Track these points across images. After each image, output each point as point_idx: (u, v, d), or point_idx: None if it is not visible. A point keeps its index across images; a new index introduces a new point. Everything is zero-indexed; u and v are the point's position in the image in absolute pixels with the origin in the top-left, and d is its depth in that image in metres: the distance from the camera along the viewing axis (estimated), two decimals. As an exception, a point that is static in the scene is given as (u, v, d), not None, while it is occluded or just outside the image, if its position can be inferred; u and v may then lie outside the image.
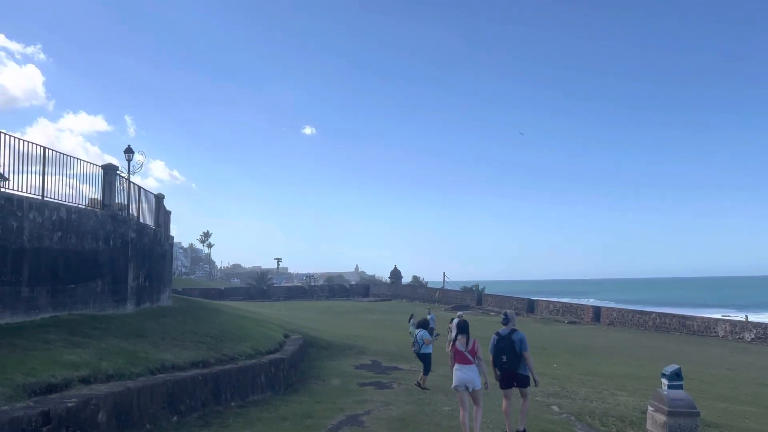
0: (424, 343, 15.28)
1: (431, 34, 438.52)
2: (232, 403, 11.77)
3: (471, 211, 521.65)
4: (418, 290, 74.04)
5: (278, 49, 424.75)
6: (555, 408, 12.37)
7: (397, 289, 75.12)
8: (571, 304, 57.16)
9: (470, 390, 8.83)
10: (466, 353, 8.90)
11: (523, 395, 9.47)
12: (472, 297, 63.72)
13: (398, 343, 25.93)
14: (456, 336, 9.28)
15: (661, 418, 9.44)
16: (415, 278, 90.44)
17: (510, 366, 9.23)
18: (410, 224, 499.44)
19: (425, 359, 15.26)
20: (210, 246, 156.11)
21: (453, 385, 9.04)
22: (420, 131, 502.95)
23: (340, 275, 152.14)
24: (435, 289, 72.62)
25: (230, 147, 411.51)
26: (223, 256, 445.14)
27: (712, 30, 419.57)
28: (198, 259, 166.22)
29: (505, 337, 9.34)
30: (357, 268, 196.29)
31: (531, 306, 55.77)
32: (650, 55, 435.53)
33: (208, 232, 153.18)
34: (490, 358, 9.53)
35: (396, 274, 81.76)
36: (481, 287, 76.20)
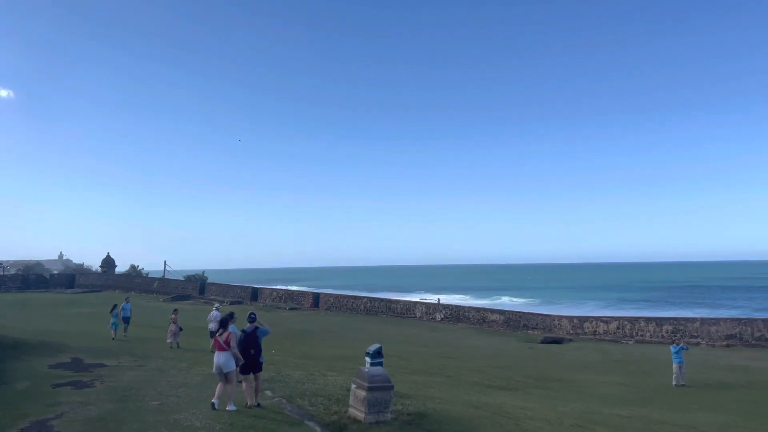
0: None
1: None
2: None
3: (197, 199, 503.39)
4: (135, 280, 68.82)
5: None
6: (268, 393, 12.63)
7: (109, 279, 68.73)
8: (293, 291, 59.35)
9: (224, 371, 11.07)
10: (222, 343, 11.20)
11: (258, 378, 11.56)
12: (195, 286, 61.72)
13: (106, 337, 23.73)
14: (218, 329, 11.63)
15: (362, 393, 10.34)
16: (133, 267, 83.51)
17: (255, 357, 11.46)
18: (130, 211, 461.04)
19: None
20: None
21: (214, 368, 11.40)
22: (144, 109, 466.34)
23: (38, 263, 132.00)
24: (154, 279, 68.35)
25: None
26: None
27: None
28: None
29: (251, 334, 11.60)
30: (61, 255, 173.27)
31: (255, 294, 56.32)
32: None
33: None
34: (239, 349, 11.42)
35: (109, 262, 74.63)
36: (205, 276, 74.02)
